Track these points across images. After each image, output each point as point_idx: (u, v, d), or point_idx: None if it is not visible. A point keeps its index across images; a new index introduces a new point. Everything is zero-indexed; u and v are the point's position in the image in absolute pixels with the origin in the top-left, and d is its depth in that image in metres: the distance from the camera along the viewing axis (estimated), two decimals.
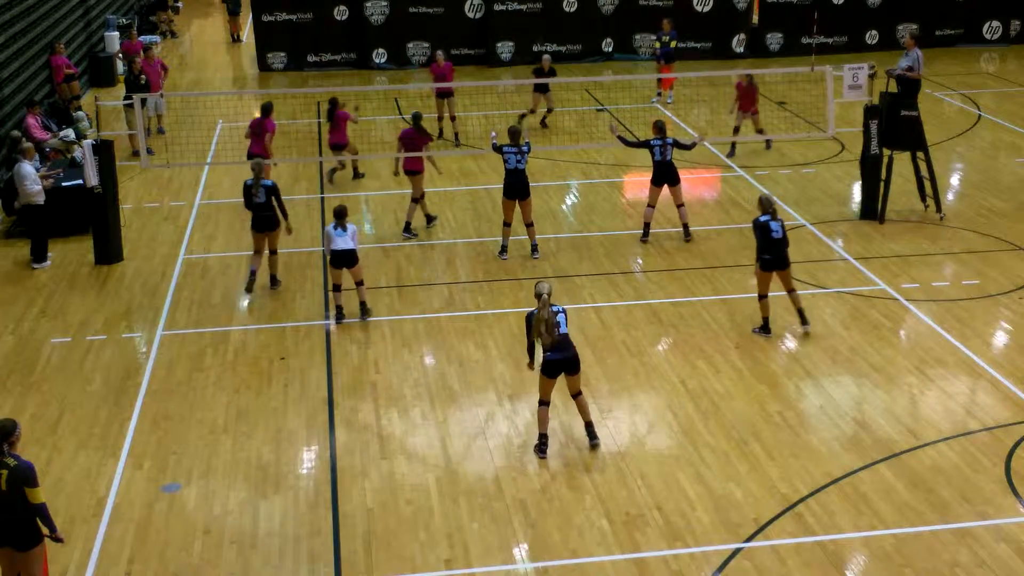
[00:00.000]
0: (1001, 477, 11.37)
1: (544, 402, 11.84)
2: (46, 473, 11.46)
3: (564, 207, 19.40)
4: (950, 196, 19.70)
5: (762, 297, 14.34)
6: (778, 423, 12.44)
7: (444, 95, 23.20)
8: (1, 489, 8.80)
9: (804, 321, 14.40)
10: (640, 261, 17.01)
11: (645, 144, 17.54)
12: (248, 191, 15.86)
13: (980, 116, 24.92)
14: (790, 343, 14.37)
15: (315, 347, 14.36)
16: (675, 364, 13.79)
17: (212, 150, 22.89)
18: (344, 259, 14.69)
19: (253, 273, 15.78)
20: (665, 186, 17.50)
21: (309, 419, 12.71)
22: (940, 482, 11.29)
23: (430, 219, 18.48)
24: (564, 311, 11.79)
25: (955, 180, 20.68)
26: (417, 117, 18.25)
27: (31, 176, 17.07)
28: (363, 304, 15.02)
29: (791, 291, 14.36)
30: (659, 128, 17.49)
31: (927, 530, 10.54)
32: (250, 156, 18.90)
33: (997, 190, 19.95)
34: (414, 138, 18.01)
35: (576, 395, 11.90)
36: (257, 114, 20.23)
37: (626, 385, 13.33)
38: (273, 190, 15.82)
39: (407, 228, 18.06)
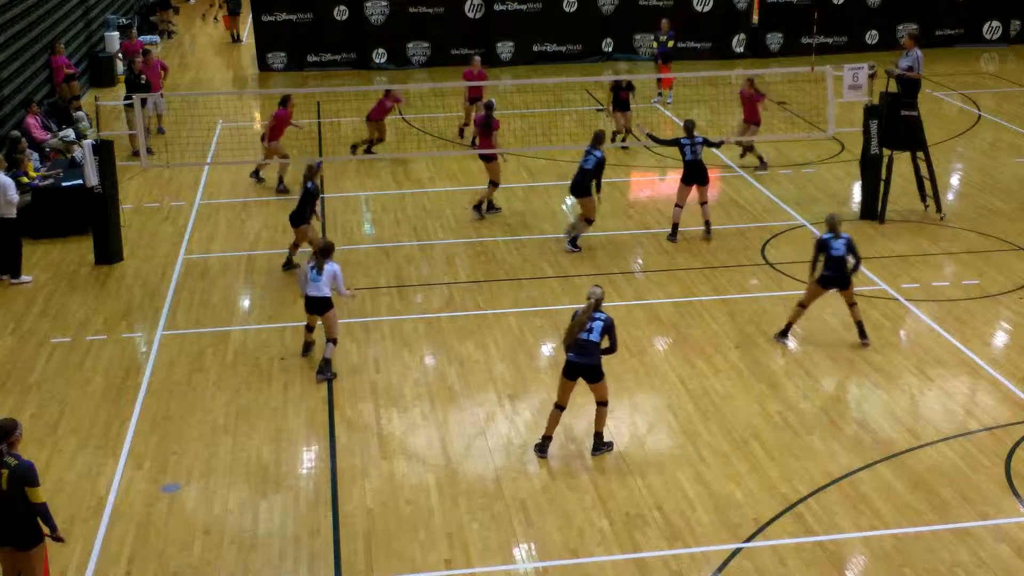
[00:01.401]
0: (1001, 477, 11.37)
1: (558, 406, 11.78)
2: (46, 473, 11.45)
3: (564, 207, 19.38)
4: (950, 196, 19.70)
5: (802, 306, 14.14)
6: (778, 423, 12.44)
7: (475, 99, 22.54)
8: (2, 489, 8.80)
9: (863, 335, 14.13)
10: (640, 261, 17.01)
11: (675, 142, 17.56)
12: (312, 197, 15.98)
13: (980, 116, 24.92)
14: (790, 343, 14.36)
15: (315, 347, 14.34)
16: (675, 364, 13.79)
17: (212, 150, 22.88)
18: (314, 306, 13.46)
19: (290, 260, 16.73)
20: (693, 186, 17.52)
21: (309, 419, 12.71)
22: (940, 482, 11.29)
23: (491, 206, 18.94)
24: (605, 321, 11.59)
25: (955, 180, 20.69)
26: (490, 106, 18.79)
27: (12, 186, 16.47)
28: (326, 362, 13.50)
29: (852, 305, 14.09)
30: (688, 127, 17.52)
31: (927, 530, 10.54)
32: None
33: (997, 190, 19.95)
34: (487, 124, 18.61)
35: (599, 403, 11.80)
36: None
37: (626, 385, 13.33)
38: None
39: (490, 207, 18.89)
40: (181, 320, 15.27)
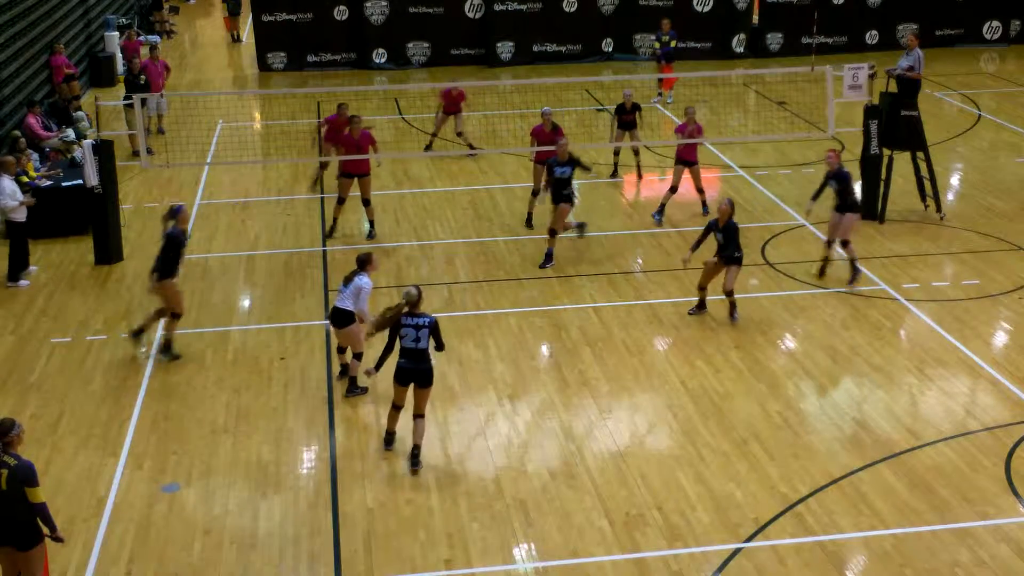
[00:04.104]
0: (1001, 477, 11.37)
1: (396, 406, 11.94)
2: (46, 473, 11.46)
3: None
4: (950, 196, 19.70)
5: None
6: (778, 423, 12.45)
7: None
8: (1, 488, 8.80)
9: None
10: (640, 261, 17.02)
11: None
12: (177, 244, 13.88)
13: (980, 116, 24.92)
14: (790, 343, 14.37)
15: (315, 347, 14.35)
16: (675, 364, 13.79)
17: (212, 150, 22.87)
18: (334, 317, 12.91)
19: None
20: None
21: (309, 419, 12.71)
22: (940, 482, 11.29)
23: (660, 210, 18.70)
24: (428, 326, 11.45)
25: (955, 180, 20.69)
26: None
27: (7, 191, 16.31)
28: (352, 380, 13.08)
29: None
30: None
31: (927, 530, 10.54)
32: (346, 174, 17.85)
33: (997, 190, 19.95)
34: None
35: (416, 416, 11.65)
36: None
37: (626, 385, 13.33)
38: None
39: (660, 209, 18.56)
40: (181, 320, 15.24)
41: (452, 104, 21.91)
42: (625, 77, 28.59)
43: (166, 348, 14.09)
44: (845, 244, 15.86)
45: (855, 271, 15.85)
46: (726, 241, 14.59)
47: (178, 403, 13.10)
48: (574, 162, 16.62)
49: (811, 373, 13.57)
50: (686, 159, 18.39)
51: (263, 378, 13.65)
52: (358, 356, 13.12)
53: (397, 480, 11.48)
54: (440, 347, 11.68)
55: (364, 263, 12.84)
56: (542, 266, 16.62)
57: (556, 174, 16.46)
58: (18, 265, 16.56)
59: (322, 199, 19.94)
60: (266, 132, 25.12)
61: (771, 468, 11.56)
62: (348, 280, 12.83)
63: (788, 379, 13.43)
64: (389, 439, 12.04)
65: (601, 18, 30.95)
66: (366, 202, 17.94)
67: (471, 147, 21.78)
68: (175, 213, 13.79)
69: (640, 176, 20.65)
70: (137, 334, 14.22)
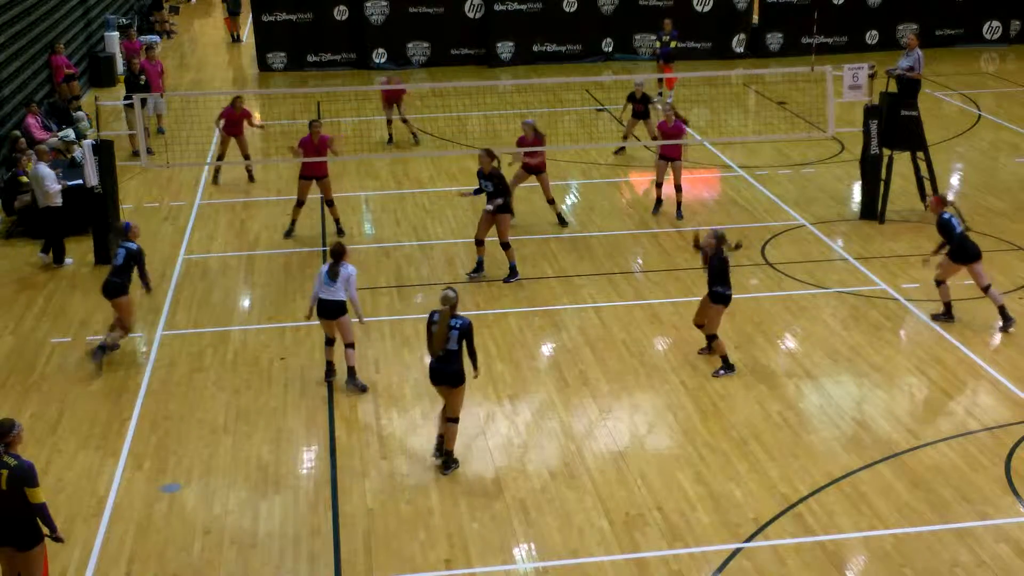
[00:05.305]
0: (1001, 477, 11.37)
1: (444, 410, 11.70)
2: (46, 473, 11.46)
3: (564, 207, 19.36)
4: (950, 196, 19.64)
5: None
6: (778, 423, 12.44)
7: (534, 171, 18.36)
8: (1, 489, 8.80)
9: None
10: (640, 261, 17.02)
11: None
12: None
13: (980, 116, 24.92)
14: (790, 343, 14.36)
15: (315, 347, 14.35)
16: (675, 364, 13.79)
17: (212, 150, 22.86)
18: (327, 310, 12.93)
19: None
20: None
21: (309, 419, 12.71)
22: (940, 482, 11.29)
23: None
24: (460, 328, 11.27)
25: (955, 180, 20.68)
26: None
27: (51, 176, 17.12)
28: (351, 370, 13.20)
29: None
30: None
31: (927, 530, 10.54)
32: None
33: (997, 190, 19.95)
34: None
35: (449, 419, 11.59)
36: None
37: (626, 385, 13.33)
38: None
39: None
40: (181, 320, 15.27)
41: (393, 96, 22.62)
42: (625, 77, 28.58)
43: (100, 351, 13.80)
44: (938, 284, 14.66)
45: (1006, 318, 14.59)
46: (710, 276, 13.41)
47: (178, 403, 13.10)
48: (496, 177, 15.96)
49: (811, 373, 13.57)
50: (667, 155, 18.30)
51: (263, 378, 13.65)
52: (351, 346, 13.14)
53: (397, 480, 11.48)
54: (472, 351, 11.40)
55: (342, 253, 12.91)
56: (506, 280, 16.19)
57: (483, 188, 16.07)
58: (60, 247, 17.15)
59: (321, 199, 19.93)
60: (266, 132, 25.09)
61: (771, 468, 11.56)
62: (334, 273, 12.80)
63: (788, 379, 13.43)
64: (440, 444, 11.68)
65: (601, 18, 30.94)
66: (329, 203, 18.06)
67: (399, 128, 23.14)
68: (127, 230, 14.06)
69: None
70: (101, 352, 13.83)
